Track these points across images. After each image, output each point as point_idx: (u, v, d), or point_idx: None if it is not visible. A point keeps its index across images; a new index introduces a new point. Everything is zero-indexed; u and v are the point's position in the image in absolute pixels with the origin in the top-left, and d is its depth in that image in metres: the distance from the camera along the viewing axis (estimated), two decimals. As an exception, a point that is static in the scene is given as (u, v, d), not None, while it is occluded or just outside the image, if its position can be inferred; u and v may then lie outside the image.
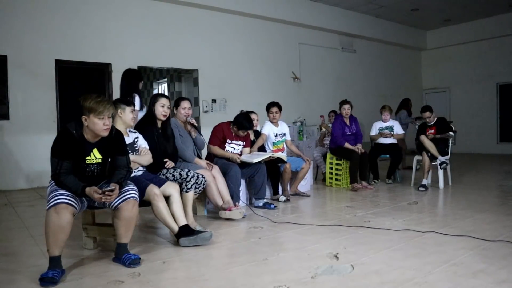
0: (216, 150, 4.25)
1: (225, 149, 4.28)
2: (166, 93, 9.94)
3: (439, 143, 5.43)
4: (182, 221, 2.93)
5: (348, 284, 2.15)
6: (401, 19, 11.08)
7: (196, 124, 3.99)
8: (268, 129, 4.98)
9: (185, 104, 3.84)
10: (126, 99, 3.19)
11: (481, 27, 11.11)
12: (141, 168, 3.18)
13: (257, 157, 4.29)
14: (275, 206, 4.27)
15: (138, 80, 4.53)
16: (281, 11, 8.83)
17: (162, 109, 3.44)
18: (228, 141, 4.30)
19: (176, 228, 2.88)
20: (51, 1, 6.36)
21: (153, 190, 2.83)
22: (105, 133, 2.44)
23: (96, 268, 2.49)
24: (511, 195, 4.79)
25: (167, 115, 3.48)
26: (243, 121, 4.25)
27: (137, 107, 4.26)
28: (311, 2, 9.36)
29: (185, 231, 2.89)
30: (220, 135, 4.27)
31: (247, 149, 4.49)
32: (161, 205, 2.84)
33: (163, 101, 3.46)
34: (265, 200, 4.34)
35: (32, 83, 6.19)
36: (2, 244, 3.10)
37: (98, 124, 2.38)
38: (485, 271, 2.26)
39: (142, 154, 3.14)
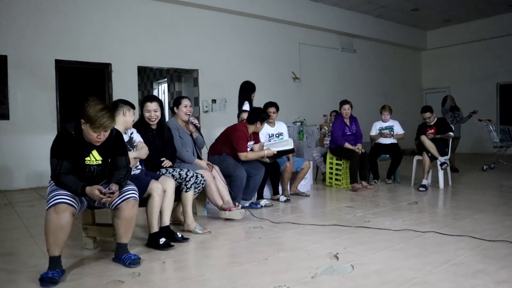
0: (251, 155, 4.18)
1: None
2: (166, 93, 9.95)
3: (439, 143, 5.43)
4: (166, 222, 2.99)
5: (348, 284, 2.14)
6: (401, 19, 11.08)
7: (199, 125, 3.99)
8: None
9: (185, 102, 3.81)
10: (129, 102, 3.17)
11: (481, 27, 11.11)
12: (140, 167, 3.19)
13: (285, 145, 4.45)
14: (261, 206, 4.26)
15: (251, 91, 5.34)
16: (281, 11, 8.83)
17: (148, 114, 3.34)
18: (248, 143, 4.29)
19: (155, 229, 2.89)
20: (51, 1, 6.36)
21: (156, 184, 2.86)
22: (97, 144, 2.44)
23: (96, 268, 2.49)
24: (511, 195, 4.79)
25: (156, 118, 3.39)
26: (263, 113, 4.33)
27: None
28: (311, 2, 9.36)
29: (167, 233, 2.96)
30: (246, 139, 4.20)
31: (257, 146, 4.45)
32: (158, 200, 2.86)
33: (148, 106, 3.34)
34: (251, 201, 4.33)
35: (32, 83, 6.20)
36: (2, 244, 3.10)
37: (91, 135, 2.37)
38: (485, 271, 2.26)
39: (139, 149, 3.14)
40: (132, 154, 3.02)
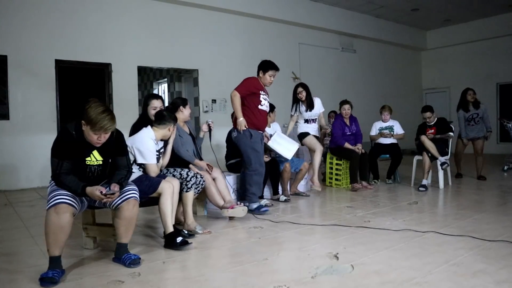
0: (237, 101, 4.01)
1: (260, 101, 4.19)
2: (166, 93, 9.94)
3: (439, 143, 5.43)
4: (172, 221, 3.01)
5: (348, 284, 2.14)
6: (401, 19, 11.08)
7: (213, 127, 4.04)
8: None
9: (188, 103, 3.89)
10: (174, 115, 3.24)
11: (481, 27, 11.12)
12: (141, 169, 3.18)
13: (289, 147, 4.51)
14: (267, 209, 4.13)
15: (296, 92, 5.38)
16: (281, 11, 8.83)
17: (154, 111, 3.36)
18: (261, 92, 4.24)
19: (171, 229, 2.89)
20: (51, 1, 6.36)
21: (167, 184, 2.91)
22: (97, 145, 2.45)
23: (96, 268, 2.49)
24: (511, 195, 4.79)
25: None
26: (270, 61, 4.26)
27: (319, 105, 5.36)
28: (311, 2, 9.36)
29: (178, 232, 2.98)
30: (251, 88, 4.12)
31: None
32: (170, 199, 2.89)
33: (155, 103, 3.40)
34: (259, 203, 4.21)
35: (32, 83, 6.20)
36: (2, 244, 3.10)
37: (92, 137, 2.37)
38: (485, 271, 2.26)
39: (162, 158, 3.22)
40: (158, 166, 3.11)
